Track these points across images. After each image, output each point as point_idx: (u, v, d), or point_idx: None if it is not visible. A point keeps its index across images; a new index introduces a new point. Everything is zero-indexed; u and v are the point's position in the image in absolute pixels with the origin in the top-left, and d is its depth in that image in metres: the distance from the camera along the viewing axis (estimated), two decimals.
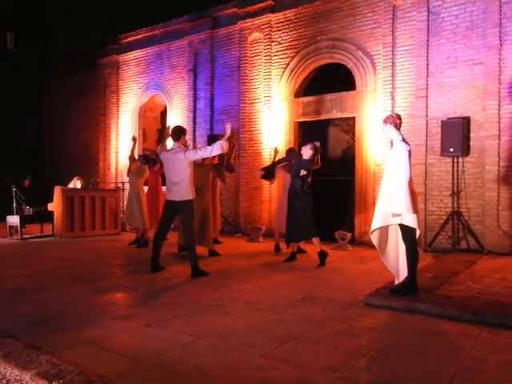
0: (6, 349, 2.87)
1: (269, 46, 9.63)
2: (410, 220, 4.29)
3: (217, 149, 5.28)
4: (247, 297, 4.48)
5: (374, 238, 4.58)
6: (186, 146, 5.69)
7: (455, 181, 7.41)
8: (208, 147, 5.48)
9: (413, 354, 3.03)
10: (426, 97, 7.75)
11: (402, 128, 7.58)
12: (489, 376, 2.72)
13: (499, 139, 7.10)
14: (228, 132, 5.46)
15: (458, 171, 7.43)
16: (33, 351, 2.82)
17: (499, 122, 7.11)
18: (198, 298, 4.45)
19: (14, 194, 9.36)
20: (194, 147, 8.79)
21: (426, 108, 7.76)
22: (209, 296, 4.51)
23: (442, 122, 7.41)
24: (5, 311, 3.92)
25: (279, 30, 9.53)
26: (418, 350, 3.10)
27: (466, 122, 7.30)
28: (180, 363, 2.82)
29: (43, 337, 3.21)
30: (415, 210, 4.31)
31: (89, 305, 4.17)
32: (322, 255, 6.20)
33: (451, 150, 7.26)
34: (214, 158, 7.20)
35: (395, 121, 4.64)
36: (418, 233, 4.37)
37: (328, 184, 8.59)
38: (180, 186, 5.36)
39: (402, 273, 4.54)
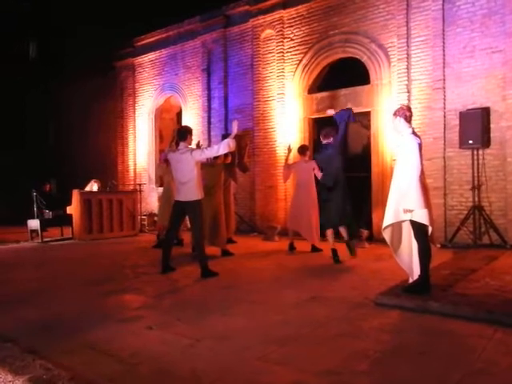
0: (2, 353, 2.88)
1: (281, 43, 9.52)
2: (422, 216, 4.13)
3: (223, 147, 5.22)
4: (254, 297, 4.40)
5: (387, 235, 4.43)
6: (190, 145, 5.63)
7: (475, 174, 7.14)
8: (215, 146, 5.42)
9: (419, 356, 2.89)
10: (444, 88, 7.50)
11: (419, 121, 7.56)
12: (498, 379, 2.57)
13: None
14: (235, 130, 5.38)
15: (478, 164, 7.15)
16: (29, 356, 2.82)
17: None
18: (204, 299, 4.39)
19: (34, 199, 9.53)
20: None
21: (444, 100, 7.51)
22: (215, 297, 4.45)
23: (461, 113, 7.15)
24: (9, 315, 3.96)
25: (291, 26, 9.41)
26: (424, 352, 2.95)
27: (485, 112, 7.02)
28: (175, 367, 2.77)
29: (43, 341, 3.22)
30: (427, 205, 4.15)
31: (94, 307, 4.18)
32: (335, 252, 6.09)
33: (470, 142, 7.00)
34: (226, 157, 7.14)
35: (405, 113, 4.47)
36: (430, 229, 4.20)
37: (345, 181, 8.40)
38: (188, 186, 5.32)
39: (416, 271, 4.37)
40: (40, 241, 9.09)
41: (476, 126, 6.96)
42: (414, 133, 4.41)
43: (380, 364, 2.80)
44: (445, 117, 7.50)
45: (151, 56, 12.33)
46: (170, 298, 4.49)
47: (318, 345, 3.10)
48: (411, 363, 2.80)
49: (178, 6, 11.98)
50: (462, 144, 7.12)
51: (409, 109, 4.55)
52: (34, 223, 9.30)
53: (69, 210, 9.44)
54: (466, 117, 7.07)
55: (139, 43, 12.58)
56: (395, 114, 4.49)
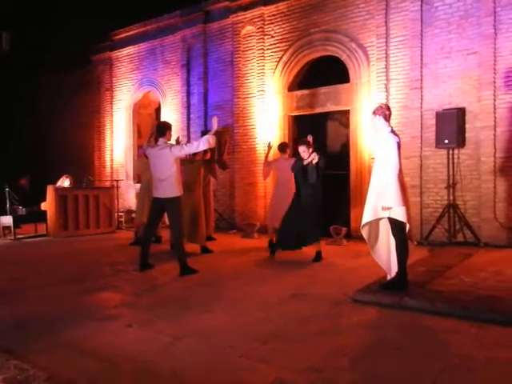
0: None
1: (262, 40, 9.49)
2: (399, 213, 4.19)
3: (203, 143, 5.18)
4: (235, 294, 4.40)
5: (365, 233, 4.48)
6: (170, 141, 5.56)
7: (451, 173, 7.28)
8: (194, 142, 5.37)
9: (398, 352, 2.94)
10: (421, 88, 7.61)
11: (396, 120, 7.66)
12: (475, 374, 2.63)
13: (495, 130, 6.96)
14: (215, 126, 5.34)
15: (453, 163, 7.30)
16: (3, 356, 2.74)
17: (495, 113, 6.96)
18: (184, 296, 4.36)
19: (7, 195, 9.27)
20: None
21: (421, 99, 7.62)
22: (195, 294, 4.42)
23: (437, 113, 7.28)
24: None
25: (272, 23, 9.39)
26: (403, 348, 3.00)
27: (460, 113, 7.16)
28: (156, 366, 2.74)
29: (18, 340, 3.13)
30: (405, 203, 4.21)
31: (72, 306, 4.09)
32: (319, 255, 6.11)
33: (446, 141, 7.13)
34: (205, 153, 7.10)
35: (384, 112, 4.52)
36: (407, 227, 4.27)
37: (324, 178, 8.46)
38: (166, 182, 5.26)
39: (394, 268, 4.44)
40: (13, 238, 8.84)
41: (452, 126, 7.09)
42: (392, 131, 4.47)
43: (360, 360, 2.83)
44: (422, 116, 7.62)
45: (129, 50, 12.12)
46: (149, 295, 4.44)
47: (300, 342, 3.12)
48: (390, 359, 2.84)
49: (158, 0, 11.82)
50: (438, 143, 7.26)
51: (388, 108, 4.60)
52: (7, 220, 9.04)
53: (43, 206, 9.22)
54: (442, 117, 7.20)
55: (117, 37, 12.34)
56: (374, 113, 4.53)
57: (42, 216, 9.21)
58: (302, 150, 6.15)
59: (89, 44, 12.62)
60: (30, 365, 2.61)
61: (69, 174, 9.84)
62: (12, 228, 8.92)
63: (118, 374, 2.64)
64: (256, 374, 2.60)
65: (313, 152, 6.12)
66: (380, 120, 4.48)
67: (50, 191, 9.05)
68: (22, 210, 9.34)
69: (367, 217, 4.38)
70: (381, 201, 4.22)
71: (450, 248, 6.81)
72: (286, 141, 8.72)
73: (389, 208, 4.18)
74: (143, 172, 7.85)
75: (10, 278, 5.23)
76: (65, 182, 9.63)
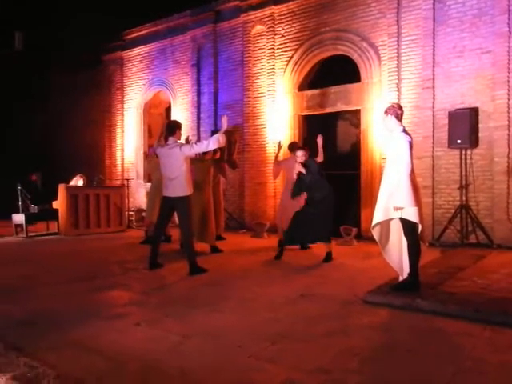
0: None
1: (272, 39, 9.47)
2: (411, 214, 4.13)
3: (213, 143, 5.17)
4: (243, 294, 4.37)
5: (376, 233, 4.43)
6: (179, 140, 5.55)
7: (463, 173, 7.19)
8: (204, 141, 5.36)
9: (408, 354, 2.89)
10: (433, 87, 7.53)
11: (408, 120, 7.58)
12: (488, 378, 2.57)
13: (509, 130, 6.86)
14: (224, 125, 5.33)
15: (466, 164, 7.20)
16: (13, 353, 2.75)
17: (508, 113, 6.86)
18: (193, 295, 4.35)
19: (19, 193, 9.35)
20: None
21: (433, 99, 7.53)
22: (204, 293, 4.41)
23: (449, 113, 7.19)
24: None
25: (282, 23, 9.36)
26: (413, 350, 2.96)
27: (473, 112, 7.06)
28: (164, 365, 2.72)
29: (28, 338, 3.15)
30: (417, 203, 4.15)
31: (81, 304, 4.11)
32: (330, 255, 6.07)
33: (459, 141, 7.04)
34: (215, 152, 7.09)
35: (396, 111, 4.47)
36: (419, 227, 4.21)
37: (334, 179, 8.40)
38: (176, 181, 5.25)
39: (406, 269, 4.38)
40: (25, 236, 8.93)
41: (464, 126, 7.00)
42: (404, 131, 4.41)
43: (370, 362, 2.79)
44: (434, 116, 7.53)
45: (140, 50, 12.17)
46: (157, 294, 4.44)
47: (308, 342, 3.09)
48: (401, 361, 2.80)
49: (168, 0, 11.86)
50: (451, 143, 7.16)
51: (400, 107, 4.55)
52: (19, 218, 9.13)
53: (55, 204, 9.29)
54: (454, 116, 7.11)
55: (128, 36, 12.41)
56: (386, 112, 4.48)
57: (53, 214, 9.29)
58: (301, 155, 6.12)
59: (100, 44, 12.71)
60: (39, 362, 2.62)
61: (83, 174, 9.90)
62: (24, 226, 9.00)
63: (126, 372, 2.63)
64: (264, 375, 2.58)
65: (308, 158, 6.12)
66: (392, 119, 4.43)
67: (61, 190, 9.13)
68: (34, 208, 9.42)
69: (378, 217, 4.33)
70: (392, 201, 4.16)
71: (462, 249, 6.72)
72: (296, 140, 8.67)
73: (400, 208, 4.13)
74: (153, 172, 7.87)
75: (20, 276, 5.26)
76: (79, 182, 9.71)
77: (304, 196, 6.16)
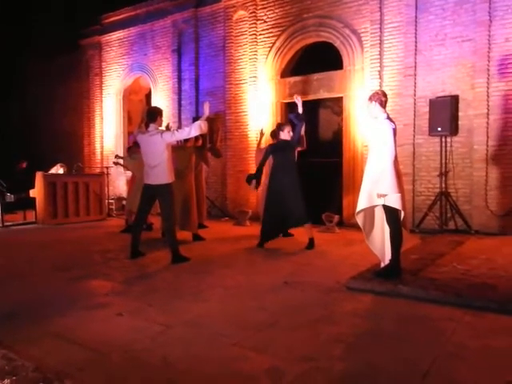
0: None
1: (254, 25, 9.34)
2: (394, 201, 4.16)
3: (195, 129, 5.08)
4: (227, 282, 4.35)
5: (360, 220, 4.45)
6: (161, 126, 5.45)
7: (443, 161, 7.27)
8: (186, 128, 5.27)
9: (391, 340, 2.92)
10: (415, 75, 7.55)
11: (390, 108, 7.57)
12: (469, 362, 2.61)
13: (488, 118, 6.95)
14: (206, 112, 5.25)
15: (446, 151, 7.28)
16: None
17: (488, 101, 6.94)
18: (176, 284, 4.31)
19: None
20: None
21: (415, 87, 7.57)
22: (187, 282, 4.37)
23: (430, 100, 7.23)
24: None
25: (264, 8, 9.23)
26: (397, 336, 2.98)
27: (454, 100, 7.12)
28: (147, 355, 2.68)
29: (6, 330, 3.06)
30: (400, 190, 4.18)
31: (61, 294, 4.02)
32: (312, 242, 6.07)
33: (439, 129, 7.10)
34: (196, 140, 7.00)
35: (380, 98, 4.46)
36: (402, 214, 4.24)
37: (316, 166, 8.42)
38: (158, 169, 5.16)
39: (388, 256, 4.41)
40: (1, 225, 8.71)
41: (445, 114, 7.06)
42: (388, 118, 4.42)
43: (355, 349, 2.81)
44: (415, 104, 7.57)
45: (119, 34, 11.87)
46: (140, 283, 4.38)
47: (293, 330, 3.09)
48: (385, 347, 2.82)
49: None
50: (431, 131, 7.22)
51: (384, 94, 4.54)
52: None
53: (32, 193, 9.07)
54: (435, 104, 7.16)
55: (106, 20, 12.09)
56: (371, 99, 4.48)
57: (31, 203, 9.08)
58: (288, 131, 6.14)
59: (77, 28, 12.34)
60: (17, 355, 2.55)
61: (63, 163, 9.68)
62: (0, 215, 8.77)
63: (108, 363, 2.58)
64: (249, 363, 2.57)
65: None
66: (376, 106, 4.43)
67: (38, 178, 8.90)
68: (10, 197, 9.19)
69: (362, 204, 4.34)
70: (376, 188, 4.18)
71: (441, 236, 6.82)
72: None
73: (384, 195, 4.14)
74: (137, 171, 7.71)
75: None
76: (59, 171, 9.49)
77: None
